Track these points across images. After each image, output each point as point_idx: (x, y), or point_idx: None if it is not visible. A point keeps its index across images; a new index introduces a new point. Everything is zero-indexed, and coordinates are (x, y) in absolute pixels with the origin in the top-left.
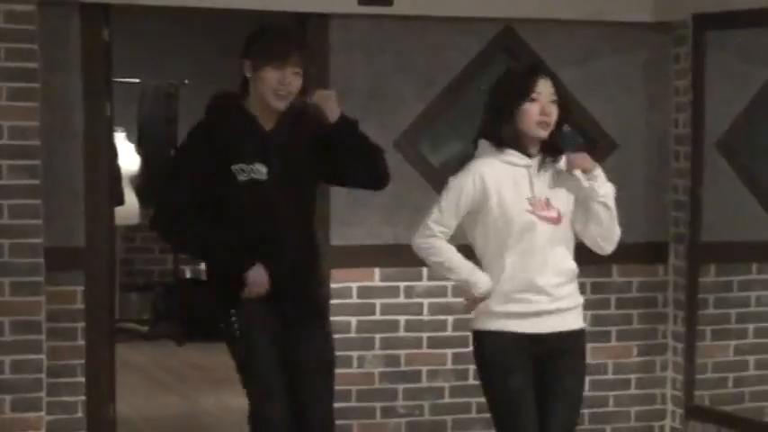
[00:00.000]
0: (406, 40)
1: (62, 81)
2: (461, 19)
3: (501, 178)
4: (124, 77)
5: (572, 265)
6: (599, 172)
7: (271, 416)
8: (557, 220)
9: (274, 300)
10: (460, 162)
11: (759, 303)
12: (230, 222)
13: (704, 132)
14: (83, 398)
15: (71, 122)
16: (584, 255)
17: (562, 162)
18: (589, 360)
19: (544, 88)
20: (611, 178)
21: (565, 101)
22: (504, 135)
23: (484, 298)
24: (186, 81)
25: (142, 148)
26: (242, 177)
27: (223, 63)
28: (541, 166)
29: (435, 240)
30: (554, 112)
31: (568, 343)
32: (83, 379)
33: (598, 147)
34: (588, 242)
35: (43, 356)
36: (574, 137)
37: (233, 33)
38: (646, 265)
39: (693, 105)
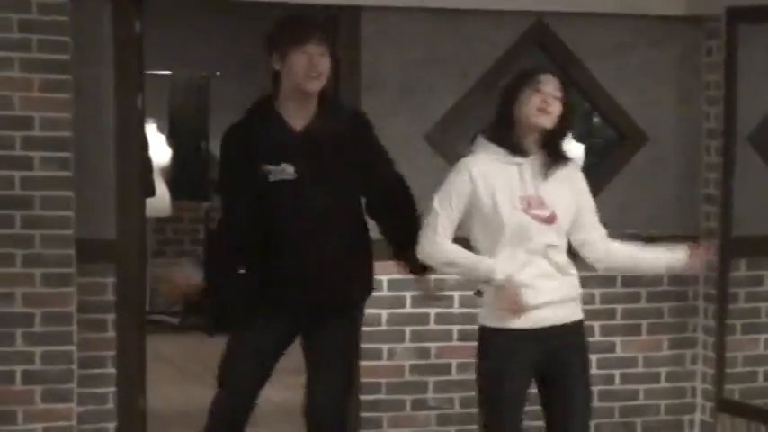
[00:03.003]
0: (437, 33)
1: (94, 73)
2: (493, 12)
3: (491, 175)
4: (156, 69)
5: (564, 264)
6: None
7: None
8: (548, 221)
9: (296, 294)
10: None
11: None
12: (265, 222)
13: (736, 126)
14: (113, 389)
15: (103, 114)
16: None
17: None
18: (619, 353)
19: (549, 82)
20: (642, 172)
21: (570, 107)
22: (502, 127)
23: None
24: (218, 73)
25: (173, 139)
26: (272, 178)
27: (254, 55)
28: (544, 165)
29: (441, 245)
30: (556, 105)
31: (569, 338)
32: (113, 370)
33: (627, 140)
34: (583, 251)
35: (74, 348)
36: (602, 129)
37: (264, 25)
38: None
39: (725, 99)
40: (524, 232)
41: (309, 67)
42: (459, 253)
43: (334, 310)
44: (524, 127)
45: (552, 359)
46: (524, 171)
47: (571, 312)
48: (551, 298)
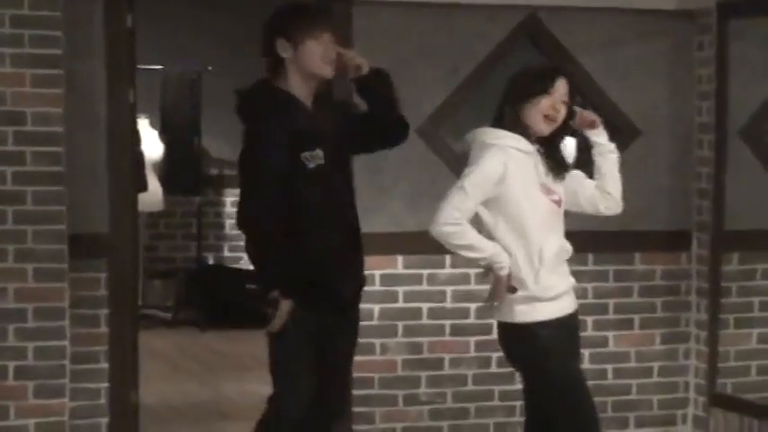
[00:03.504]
0: (429, 27)
1: (86, 68)
2: (485, 6)
3: (517, 164)
4: (148, 64)
5: (570, 249)
6: (602, 129)
7: (295, 416)
8: (559, 203)
9: (335, 284)
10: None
11: None
12: (300, 214)
13: (728, 120)
14: (106, 384)
15: (95, 109)
16: (606, 243)
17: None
18: (612, 348)
19: (561, 87)
20: (633, 166)
21: (571, 106)
22: (511, 120)
23: (509, 283)
24: (209, 68)
25: (165, 134)
26: (311, 165)
27: (246, 50)
28: (544, 155)
29: (460, 225)
30: (563, 112)
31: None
32: (106, 365)
33: (619, 134)
34: (602, 206)
35: (67, 343)
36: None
37: (256, 20)
38: (669, 253)
39: (717, 93)
40: (550, 216)
41: (325, 54)
42: (479, 239)
43: (353, 305)
44: (526, 126)
45: (576, 349)
46: (538, 161)
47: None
48: (570, 283)
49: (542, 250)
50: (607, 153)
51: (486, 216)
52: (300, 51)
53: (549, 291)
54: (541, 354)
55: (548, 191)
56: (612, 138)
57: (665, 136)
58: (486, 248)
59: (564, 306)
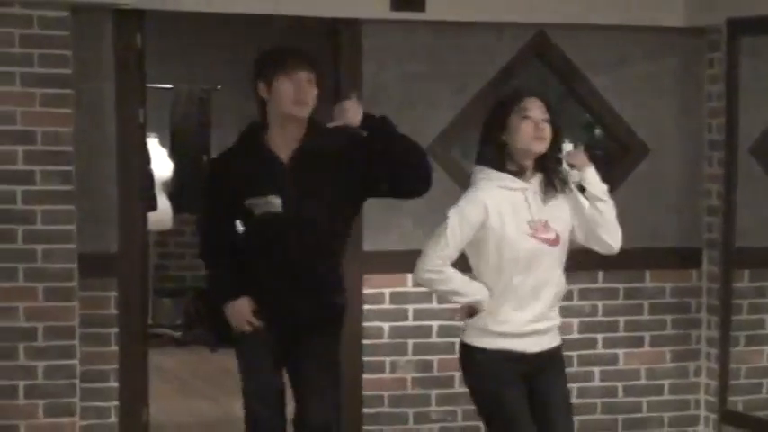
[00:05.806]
0: (438, 45)
1: (95, 87)
2: (494, 24)
3: (501, 205)
4: (157, 83)
5: (563, 287)
6: (591, 171)
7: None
8: (554, 243)
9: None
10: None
11: None
12: (247, 251)
13: (738, 137)
14: (116, 403)
15: (104, 128)
16: (616, 260)
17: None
18: (622, 365)
19: (535, 106)
20: (643, 183)
21: (557, 125)
22: (498, 155)
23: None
24: (219, 87)
25: (175, 153)
26: (257, 211)
27: None
28: (542, 188)
29: (443, 272)
30: (547, 129)
31: (550, 359)
32: (116, 384)
33: (629, 152)
34: (596, 246)
35: (77, 362)
36: (604, 141)
37: (266, 39)
38: (679, 270)
39: (727, 110)
40: (535, 256)
41: (297, 93)
42: (463, 284)
43: (309, 329)
44: (520, 154)
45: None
46: (528, 195)
47: (551, 339)
48: (544, 326)
49: (516, 289)
50: (596, 202)
51: (469, 257)
52: (274, 92)
53: (502, 326)
54: (475, 375)
55: (541, 229)
56: (622, 155)
57: (675, 153)
58: (469, 293)
59: (517, 344)
